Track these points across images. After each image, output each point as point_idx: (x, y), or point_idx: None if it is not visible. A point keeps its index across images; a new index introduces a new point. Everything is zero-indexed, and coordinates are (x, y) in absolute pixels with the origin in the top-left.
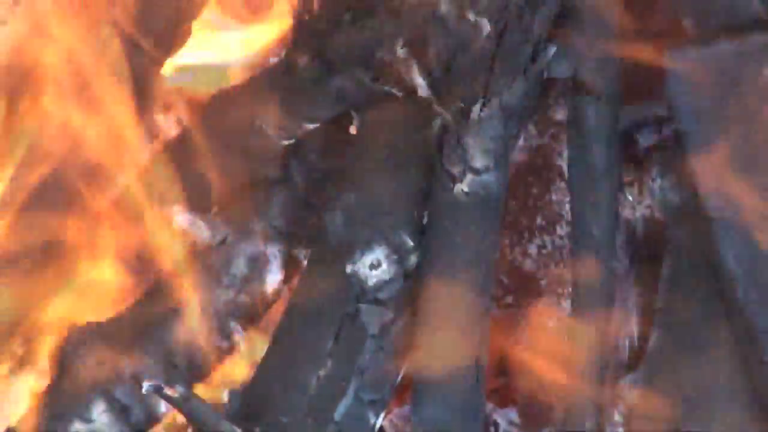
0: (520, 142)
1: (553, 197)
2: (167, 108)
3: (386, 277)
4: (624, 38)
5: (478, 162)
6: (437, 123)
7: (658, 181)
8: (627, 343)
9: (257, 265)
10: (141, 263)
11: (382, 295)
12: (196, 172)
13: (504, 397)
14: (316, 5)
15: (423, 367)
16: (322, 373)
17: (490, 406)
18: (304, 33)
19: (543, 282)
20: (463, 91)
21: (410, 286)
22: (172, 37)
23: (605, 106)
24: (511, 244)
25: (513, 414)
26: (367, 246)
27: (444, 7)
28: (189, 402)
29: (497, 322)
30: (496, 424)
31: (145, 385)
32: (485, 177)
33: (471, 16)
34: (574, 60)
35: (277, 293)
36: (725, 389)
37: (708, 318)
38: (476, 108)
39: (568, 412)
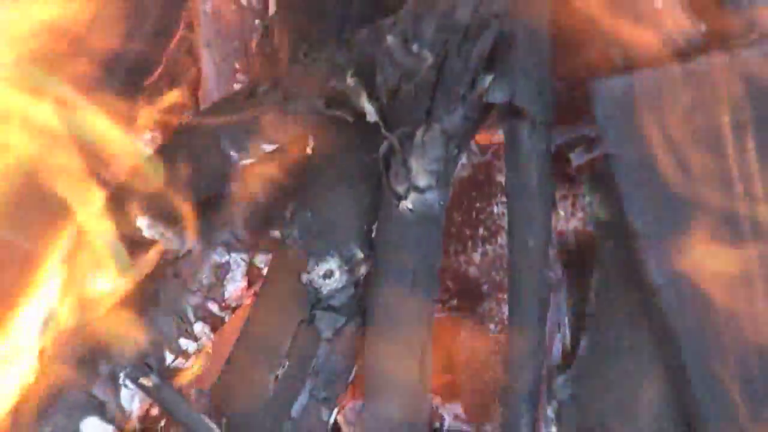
0: (464, 159)
1: (495, 210)
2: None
3: (338, 285)
4: (557, 67)
5: (421, 181)
6: (384, 145)
7: (588, 197)
8: (560, 345)
9: (222, 273)
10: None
11: (334, 302)
12: (166, 187)
13: (450, 392)
14: (276, 39)
15: (373, 366)
16: (280, 373)
17: (437, 400)
18: (265, 63)
19: (485, 287)
20: (407, 117)
21: (361, 293)
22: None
23: (539, 129)
24: (456, 252)
25: (458, 408)
26: (321, 257)
27: (390, 40)
28: (162, 391)
29: (444, 323)
30: (442, 418)
31: (122, 376)
32: (428, 195)
33: (415, 48)
34: (510, 87)
35: (240, 299)
36: (649, 390)
37: (633, 324)
38: (419, 132)
39: (506, 408)
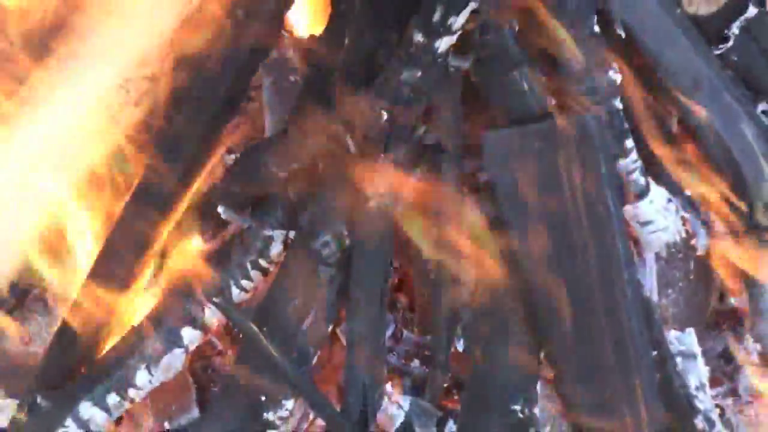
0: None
1: None
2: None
3: (332, 251)
4: (468, 120)
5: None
6: None
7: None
8: None
9: (268, 242)
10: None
11: (330, 261)
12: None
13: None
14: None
15: (352, 297)
16: (297, 302)
17: (397, 317)
18: (293, 119)
19: None
20: (374, 150)
21: (346, 257)
22: None
23: (455, 158)
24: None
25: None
26: (321, 234)
27: (362, 105)
28: (228, 308)
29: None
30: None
31: (203, 297)
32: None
33: (376, 109)
34: (437, 134)
35: (279, 257)
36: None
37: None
38: (380, 159)
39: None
